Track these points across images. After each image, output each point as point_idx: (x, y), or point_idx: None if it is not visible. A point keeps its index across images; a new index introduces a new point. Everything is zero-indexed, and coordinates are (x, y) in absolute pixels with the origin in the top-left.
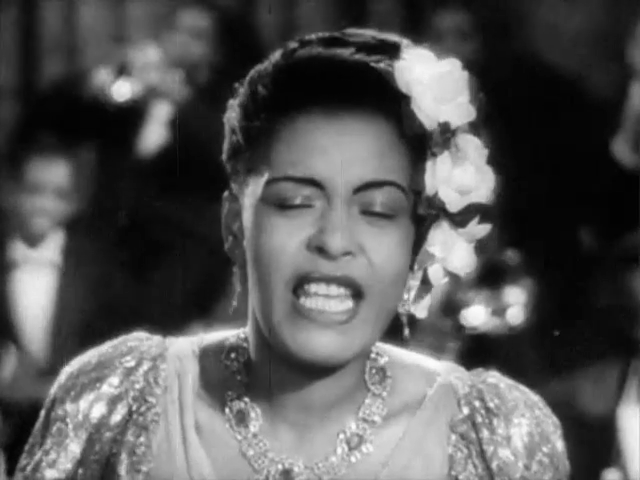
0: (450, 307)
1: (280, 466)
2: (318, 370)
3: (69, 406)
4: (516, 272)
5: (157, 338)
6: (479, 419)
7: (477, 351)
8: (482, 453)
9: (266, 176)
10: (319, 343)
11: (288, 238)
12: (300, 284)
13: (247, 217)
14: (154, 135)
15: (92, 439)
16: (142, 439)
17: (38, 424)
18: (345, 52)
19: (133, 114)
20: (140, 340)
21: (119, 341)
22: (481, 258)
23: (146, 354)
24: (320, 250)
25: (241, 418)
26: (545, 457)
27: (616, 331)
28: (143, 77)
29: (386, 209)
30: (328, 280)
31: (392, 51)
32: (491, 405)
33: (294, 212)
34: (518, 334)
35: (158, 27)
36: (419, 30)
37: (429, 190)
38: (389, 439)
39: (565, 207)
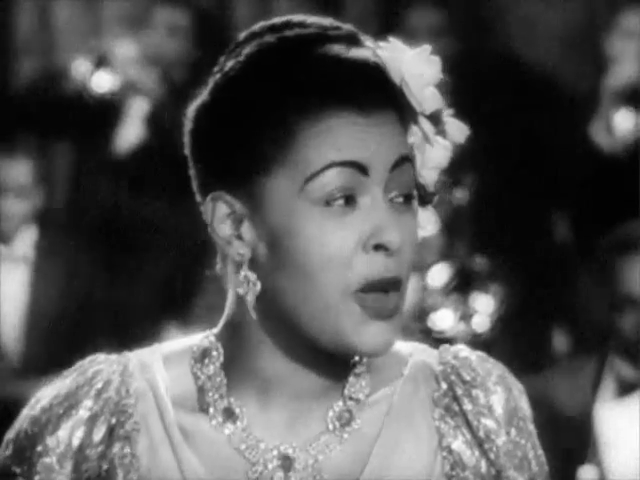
0: (421, 311)
1: (276, 452)
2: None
3: (49, 440)
4: (485, 279)
5: (116, 356)
6: (459, 391)
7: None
8: (467, 423)
9: (304, 172)
10: (383, 336)
11: (343, 242)
12: (362, 289)
13: (278, 220)
14: (131, 131)
15: (78, 463)
16: (127, 449)
17: (7, 454)
18: (341, 49)
19: (110, 109)
20: (100, 363)
21: (81, 368)
22: (451, 264)
23: (112, 373)
24: (378, 247)
25: (229, 414)
26: (520, 421)
27: (591, 328)
28: (122, 70)
29: (410, 190)
30: (386, 283)
31: (364, 42)
32: (467, 378)
33: (341, 210)
34: (488, 337)
35: (134, 25)
36: (394, 27)
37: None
38: (376, 415)
39: (539, 203)
